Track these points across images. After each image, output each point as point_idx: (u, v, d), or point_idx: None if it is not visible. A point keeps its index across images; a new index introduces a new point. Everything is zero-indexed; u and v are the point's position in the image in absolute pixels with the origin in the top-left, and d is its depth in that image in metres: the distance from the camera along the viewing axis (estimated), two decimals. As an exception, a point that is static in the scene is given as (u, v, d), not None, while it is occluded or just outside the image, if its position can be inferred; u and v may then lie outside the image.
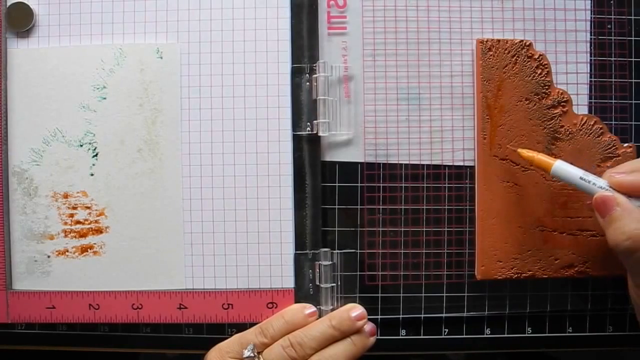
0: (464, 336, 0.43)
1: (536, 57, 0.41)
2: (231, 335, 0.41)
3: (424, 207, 0.43)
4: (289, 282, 0.42)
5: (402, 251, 0.43)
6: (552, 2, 0.42)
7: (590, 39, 0.42)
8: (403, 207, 0.43)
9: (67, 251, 0.43)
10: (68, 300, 0.42)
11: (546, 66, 0.41)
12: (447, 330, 0.43)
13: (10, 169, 0.42)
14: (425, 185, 0.43)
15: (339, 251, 0.42)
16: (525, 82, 0.41)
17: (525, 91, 0.41)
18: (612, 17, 0.42)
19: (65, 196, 0.42)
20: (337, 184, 0.43)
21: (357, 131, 0.42)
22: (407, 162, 0.42)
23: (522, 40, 0.41)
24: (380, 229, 0.43)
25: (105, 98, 0.42)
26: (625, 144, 0.42)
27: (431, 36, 0.42)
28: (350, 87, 0.42)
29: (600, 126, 0.42)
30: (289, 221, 0.42)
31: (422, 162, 0.42)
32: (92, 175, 0.42)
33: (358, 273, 0.43)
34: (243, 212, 0.42)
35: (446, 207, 0.43)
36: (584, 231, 0.42)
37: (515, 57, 0.41)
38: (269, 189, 0.42)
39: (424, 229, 0.43)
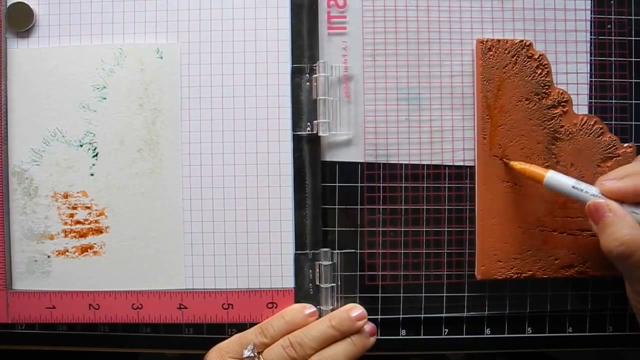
0: (464, 336, 0.43)
1: (536, 57, 0.41)
2: (231, 335, 0.41)
3: (424, 207, 0.43)
4: (289, 282, 0.42)
5: (402, 251, 0.43)
6: (552, 2, 0.42)
7: (590, 39, 0.42)
8: (403, 207, 0.43)
9: (67, 251, 0.43)
10: (68, 300, 0.42)
11: (546, 66, 0.41)
12: (447, 330, 0.43)
13: (10, 169, 0.42)
14: (425, 185, 0.43)
15: (339, 251, 0.42)
16: (525, 82, 0.41)
17: (525, 91, 0.41)
18: (612, 17, 0.42)
19: (65, 196, 0.42)
20: (337, 184, 0.43)
21: (357, 131, 0.42)
22: (407, 162, 0.42)
23: (522, 40, 0.41)
24: (380, 229, 0.43)
25: (105, 98, 0.42)
26: (625, 144, 0.42)
27: (431, 36, 0.42)
28: (350, 87, 0.42)
29: (601, 126, 0.42)
30: (289, 221, 0.42)
31: (422, 162, 0.42)
32: (92, 175, 0.42)
33: (358, 273, 0.43)
34: (243, 212, 0.42)
35: (446, 207, 0.43)
36: (584, 231, 0.41)
37: (515, 57, 0.41)
38: (269, 189, 0.42)
39: (424, 229, 0.43)
